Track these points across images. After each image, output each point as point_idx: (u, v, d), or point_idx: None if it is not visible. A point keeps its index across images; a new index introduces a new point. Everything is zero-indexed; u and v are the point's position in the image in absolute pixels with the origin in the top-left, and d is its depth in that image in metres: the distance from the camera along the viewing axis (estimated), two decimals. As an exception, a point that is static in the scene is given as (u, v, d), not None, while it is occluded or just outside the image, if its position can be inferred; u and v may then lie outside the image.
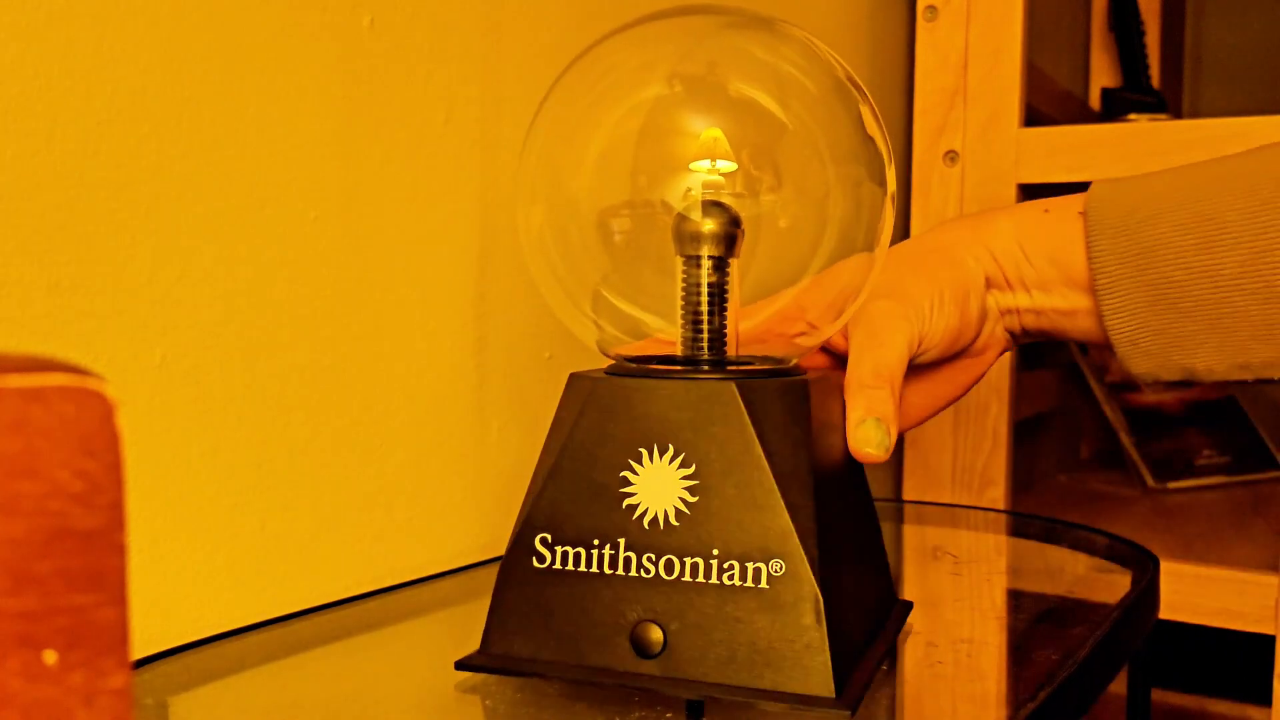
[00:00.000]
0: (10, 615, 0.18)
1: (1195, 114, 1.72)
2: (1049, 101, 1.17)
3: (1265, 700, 0.87)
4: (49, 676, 0.18)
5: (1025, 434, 1.19)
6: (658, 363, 0.45)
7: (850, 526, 0.45)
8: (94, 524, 0.18)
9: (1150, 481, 1.24)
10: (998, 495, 1.00)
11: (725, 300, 0.45)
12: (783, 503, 0.39)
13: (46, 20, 0.42)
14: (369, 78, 0.55)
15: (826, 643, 0.39)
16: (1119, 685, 0.73)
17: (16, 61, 0.41)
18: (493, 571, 0.43)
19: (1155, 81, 1.51)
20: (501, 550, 0.43)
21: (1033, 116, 1.07)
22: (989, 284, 0.54)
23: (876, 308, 0.50)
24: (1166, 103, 1.32)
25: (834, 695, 0.38)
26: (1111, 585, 0.63)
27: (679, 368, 0.44)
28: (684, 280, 0.45)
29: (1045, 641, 0.51)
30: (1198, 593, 0.90)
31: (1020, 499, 1.13)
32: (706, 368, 0.44)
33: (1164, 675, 1.24)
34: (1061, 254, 0.52)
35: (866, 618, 0.45)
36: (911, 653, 0.48)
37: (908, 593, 0.58)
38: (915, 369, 0.53)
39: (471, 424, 0.62)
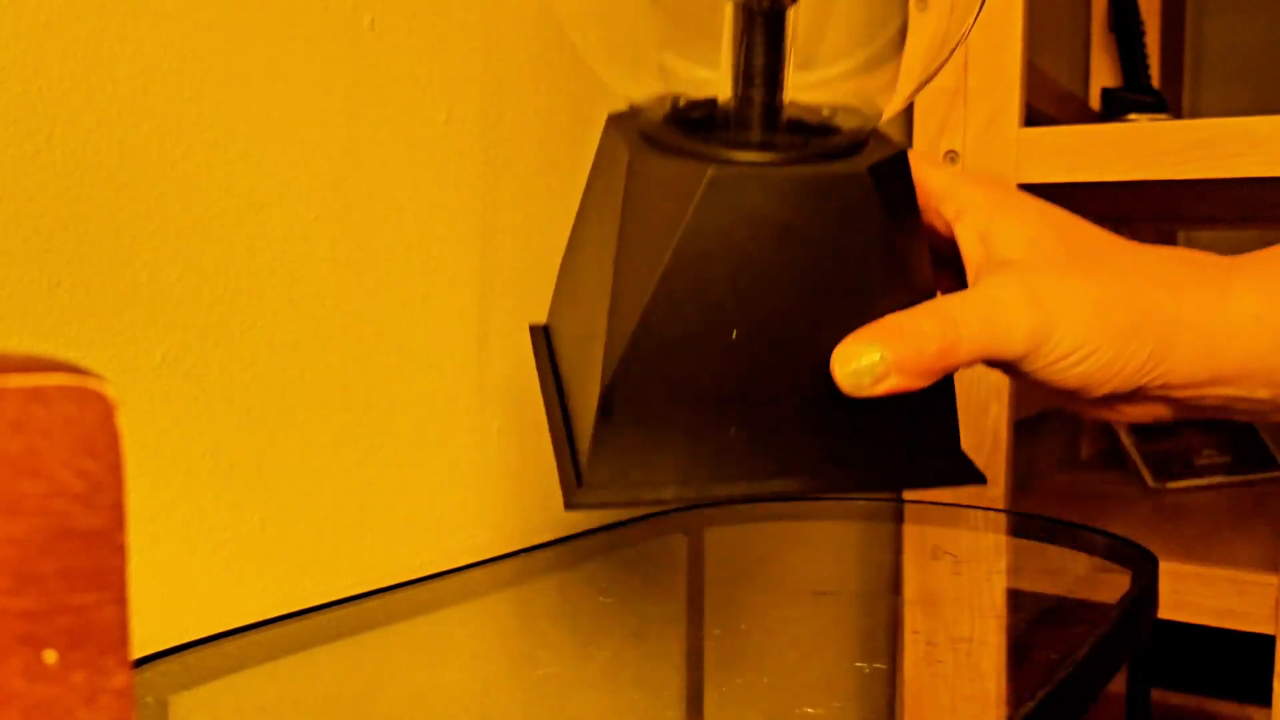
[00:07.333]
0: (12, 615, 0.18)
1: (1195, 114, 1.72)
2: (1049, 101, 1.17)
3: (1265, 700, 0.87)
4: (50, 676, 0.18)
5: (1025, 434, 1.19)
6: (702, 114, 0.39)
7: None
8: (95, 524, 0.18)
9: (1150, 481, 1.24)
10: (997, 495, 1.00)
11: (782, 51, 0.38)
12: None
13: (46, 20, 0.42)
14: (369, 78, 0.55)
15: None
16: (1119, 685, 0.73)
17: (16, 61, 0.41)
18: (492, 572, 0.43)
19: (1155, 81, 1.51)
20: (501, 550, 0.43)
21: (1033, 116, 1.07)
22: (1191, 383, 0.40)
23: (1021, 283, 0.38)
24: (1166, 103, 1.32)
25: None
26: (1111, 585, 0.63)
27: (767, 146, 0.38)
28: (740, 30, 0.38)
29: (1044, 641, 0.51)
30: (1198, 593, 0.90)
31: (1020, 499, 1.13)
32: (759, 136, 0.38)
33: (1164, 675, 1.24)
34: None
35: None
36: (911, 652, 0.48)
37: (907, 592, 0.58)
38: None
39: (471, 424, 0.62)
